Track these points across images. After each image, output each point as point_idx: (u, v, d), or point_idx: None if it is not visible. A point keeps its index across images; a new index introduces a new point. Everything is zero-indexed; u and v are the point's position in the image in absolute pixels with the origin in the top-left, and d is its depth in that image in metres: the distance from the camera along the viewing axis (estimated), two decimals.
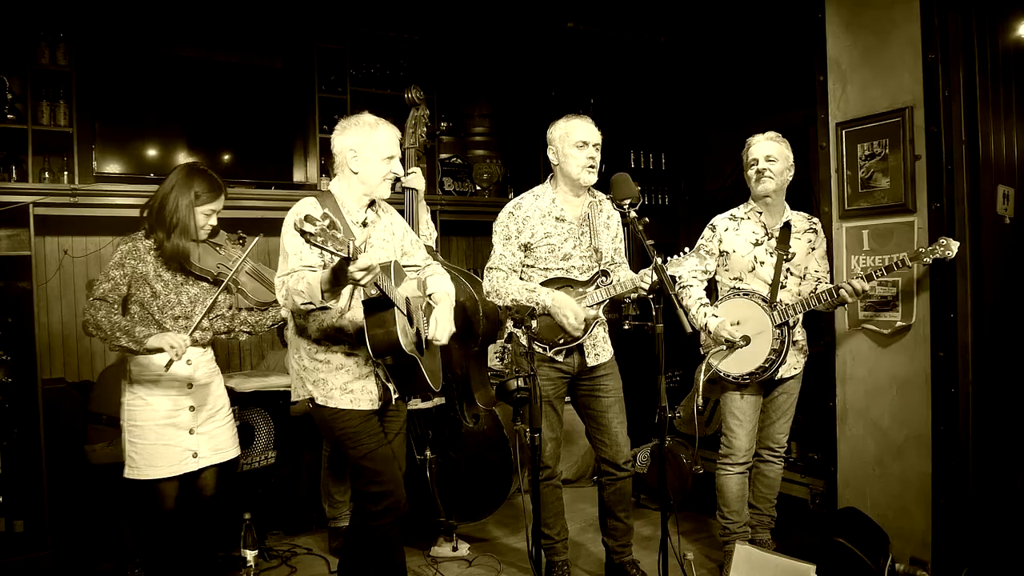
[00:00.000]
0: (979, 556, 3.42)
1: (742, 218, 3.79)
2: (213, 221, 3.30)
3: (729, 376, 3.67)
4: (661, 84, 6.22)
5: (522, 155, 6.30)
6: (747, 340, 3.54)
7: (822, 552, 3.17)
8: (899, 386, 3.60)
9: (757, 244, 3.72)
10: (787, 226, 3.71)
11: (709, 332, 3.64)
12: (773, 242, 3.70)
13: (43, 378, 4.29)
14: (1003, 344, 3.58)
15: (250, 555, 3.86)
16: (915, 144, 3.49)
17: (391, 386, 3.11)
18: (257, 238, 3.42)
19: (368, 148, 3.01)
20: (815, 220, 3.79)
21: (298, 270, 2.82)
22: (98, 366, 4.80)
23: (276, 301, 3.42)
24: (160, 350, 3.01)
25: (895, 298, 3.59)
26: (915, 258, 3.33)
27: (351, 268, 2.50)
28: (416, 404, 3.98)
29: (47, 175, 4.51)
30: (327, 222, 2.40)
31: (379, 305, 2.80)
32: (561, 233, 3.54)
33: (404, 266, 3.16)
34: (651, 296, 3.16)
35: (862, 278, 3.42)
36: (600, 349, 3.61)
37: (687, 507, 4.66)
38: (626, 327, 4.72)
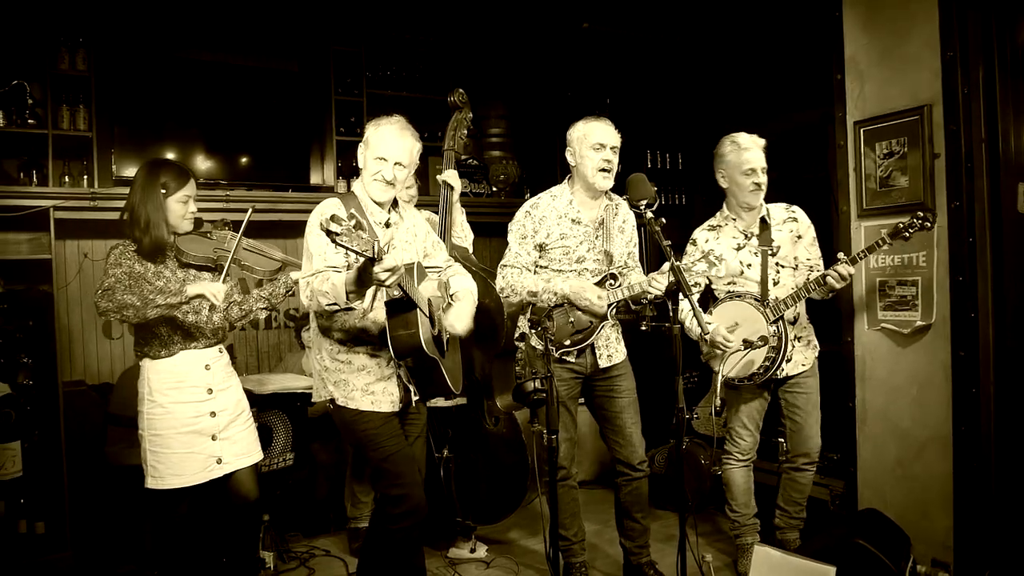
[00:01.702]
0: (1002, 559, 3.39)
1: (719, 226, 3.80)
2: (192, 208, 3.25)
3: (733, 380, 3.66)
4: (677, 84, 6.19)
5: (538, 156, 6.29)
6: (764, 340, 3.51)
7: (842, 554, 3.14)
8: (919, 386, 3.57)
9: (740, 248, 3.72)
10: (763, 222, 3.70)
11: (704, 340, 3.62)
12: (755, 241, 3.69)
13: (63, 380, 4.32)
14: None
15: (269, 556, 3.90)
16: (934, 142, 3.46)
17: (412, 388, 3.11)
18: (248, 212, 3.31)
19: (368, 147, 3.03)
20: (793, 208, 3.77)
21: (322, 271, 2.83)
22: (118, 368, 4.84)
23: (283, 267, 3.42)
24: (200, 296, 3.01)
25: (914, 297, 3.57)
26: (895, 234, 3.33)
27: (376, 269, 2.51)
28: (437, 402, 3.98)
29: (67, 179, 4.56)
30: (353, 222, 2.40)
31: (402, 306, 2.81)
32: (576, 235, 3.53)
33: (426, 268, 3.16)
34: (660, 299, 3.15)
35: (847, 263, 3.41)
36: (613, 350, 3.60)
37: (705, 508, 4.64)
38: (643, 328, 4.69)
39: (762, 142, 3.68)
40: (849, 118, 3.82)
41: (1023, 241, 3.56)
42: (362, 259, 2.51)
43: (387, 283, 2.57)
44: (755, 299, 3.61)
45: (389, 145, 3.00)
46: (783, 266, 3.68)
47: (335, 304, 2.75)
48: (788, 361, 3.64)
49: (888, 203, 3.65)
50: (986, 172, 3.40)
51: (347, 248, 2.40)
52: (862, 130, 3.74)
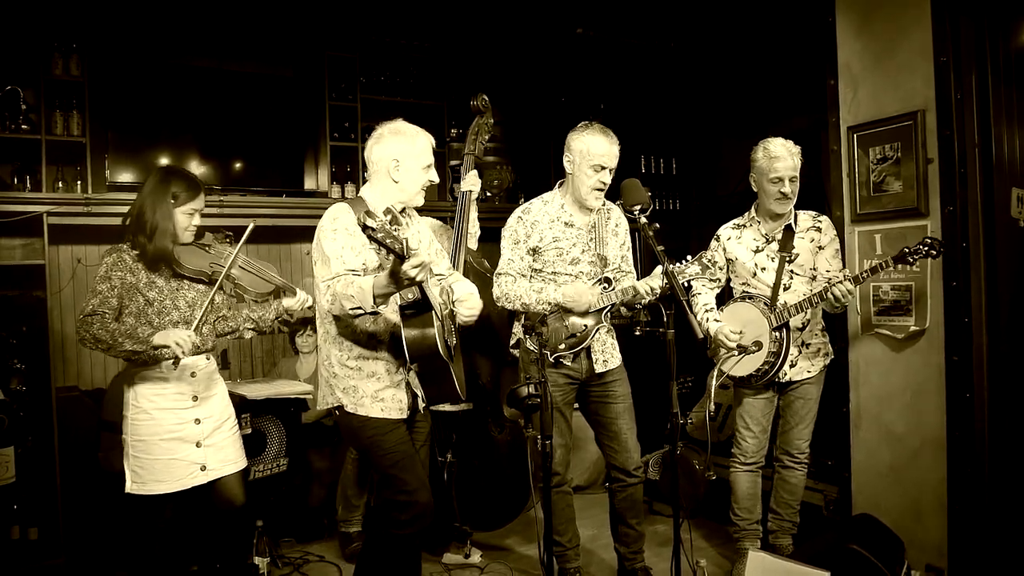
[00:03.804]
0: (996, 564, 3.39)
1: (744, 226, 3.81)
2: (196, 221, 3.24)
3: (732, 378, 3.70)
4: (671, 89, 6.21)
5: (532, 161, 6.30)
6: (759, 345, 3.52)
7: (837, 559, 3.14)
8: (913, 391, 3.58)
9: (757, 251, 3.73)
10: (789, 229, 3.70)
11: (711, 337, 3.64)
12: (775, 246, 3.70)
13: (57, 386, 4.31)
14: (1019, 348, 3.55)
15: (262, 562, 3.88)
16: (927, 148, 3.47)
17: (420, 394, 3.09)
18: (250, 227, 3.26)
19: (411, 158, 3.02)
20: (821, 218, 3.75)
21: (343, 274, 2.81)
22: (111, 374, 4.81)
23: (275, 290, 3.41)
24: (165, 347, 2.96)
25: (908, 302, 3.57)
26: (899, 259, 3.30)
27: (405, 266, 2.51)
28: (443, 407, 3.96)
29: (61, 184, 4.54)
30: (389, 217, 2.44)
31: (418, 308, 2.81)
32: (570, 238, 3.53)
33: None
34: (652, 302, 3.15)
35: (851, 280, 3.39)
36: (608, 355, 3.60)
37: (700, 514, 4.63)
38: (637, 333, 4.72)
39: (795, 149, 3.63)
40: (842, 123, 3.82)
41: (1017, 246, 3.57)
42: (392, 256, 2.50)
43: (417, 279, 2.57)
44: (765, 303, 3.62)
45: (430, 151, 3.09)
46: (798, 274, 3.67)
47: (360, 308, 2.71)
48: (792, 366, 3.66)
49: (881, 208, 3.66)
50: (979, 177, 3.41)
51: (380, 243, 2.42)
52: (855, 135, 3.75)
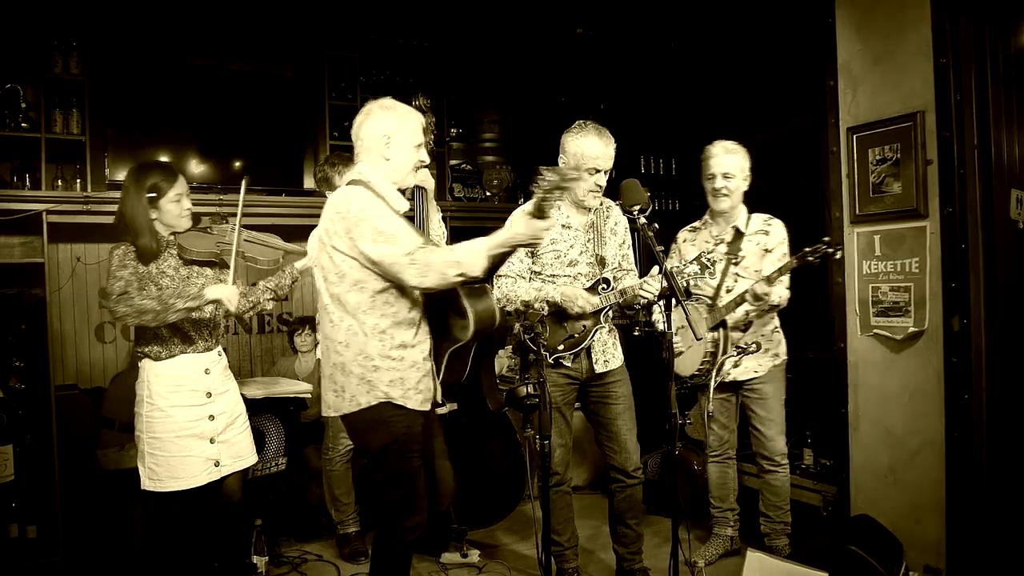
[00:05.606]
0: (994, 565, 3.39)
1: (699, 228, 3.96)
2: (187, 204, 3.23)
3: (681, 377, 3.83)
4: (671, 89, 6.21)
5: (532, 161, 6.23)
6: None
7: (835, 560, 3.14)
8: (911, 392, 3.58)
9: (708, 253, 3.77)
10: (738, 231, 3.78)
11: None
12: (723, 247, 3.79)
13: (56, 384, 4.30)
14: (1018, 349, 3.55)
15: (261, 561, 3.89)
16: (927, 149, 3.47)
17: (437, 383, 2.99)
18: (244, 182, 3.31)
19: (402, 134, 2.89)
20: (772, 222, 3.82)
21: (423, 247, 2.68)
22: (110, 372, 4.82)
23: (285, 254, 3.42)
24: (218, 300, 3.10)
25: (907, 303, 3.57)
26: (801, 258, 3.41)
27: (542, 224, 2.56)
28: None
29: (60, 183, 4.54)
30: (551, 171, 2.50)
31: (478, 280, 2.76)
32: (567, 239, 3.53)
33: None
34: (659, 302, 3.16)
35: (764, 281, 3.48)
36: (609, 355, 3.60)
37: (698, 514, 4.63)
38: (636, 333, 4.70)
39: (736, 149, 3.76)
40: (842, 124, 3.82)
41: (1016, 247, 3.57)
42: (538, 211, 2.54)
43: (541, 240, 2.64)
44: (708, 304, 3.74)
45: (421, 130, 2.99)
46: (743, 276, 3.74)
47: (462, 275, 2.61)
48: (736, 366, 3.75)
49: (881, 209, 3.65)
50: (979, 178, 3.41)
51: (547, 195, 2.49)
52: (855, 136, 3.75)
